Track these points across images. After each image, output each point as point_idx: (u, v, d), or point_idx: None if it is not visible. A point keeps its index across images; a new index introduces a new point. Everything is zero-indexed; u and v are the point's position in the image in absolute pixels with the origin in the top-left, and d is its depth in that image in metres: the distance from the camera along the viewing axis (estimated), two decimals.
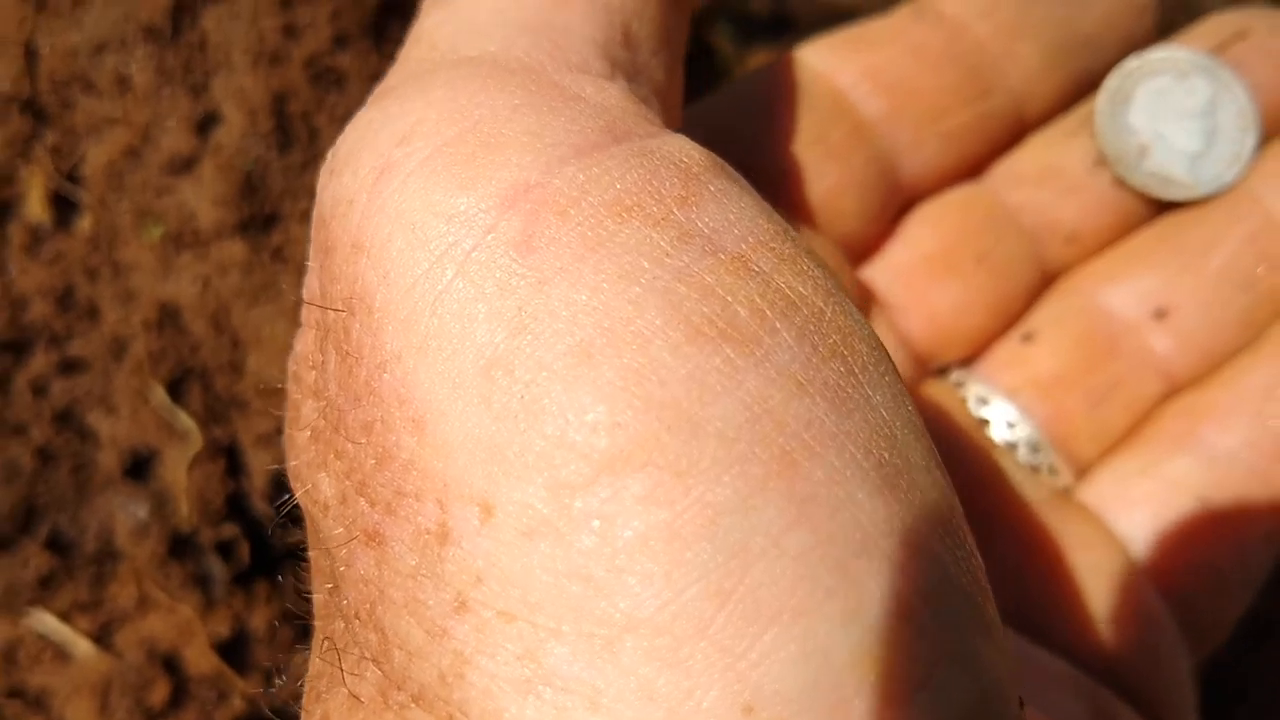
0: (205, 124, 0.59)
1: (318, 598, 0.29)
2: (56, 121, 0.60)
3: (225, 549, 0.60)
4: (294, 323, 0.58)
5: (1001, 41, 0.46)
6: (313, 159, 0.61)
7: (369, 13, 0.63)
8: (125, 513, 0.60)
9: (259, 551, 0.61)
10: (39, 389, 0.59)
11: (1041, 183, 0.47)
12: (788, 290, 0.25)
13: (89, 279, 0.59)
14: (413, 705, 0.24)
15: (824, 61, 0.45)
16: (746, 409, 0.23)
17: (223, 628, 0.59)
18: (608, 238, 0.24)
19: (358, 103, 0.63)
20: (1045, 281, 0.48)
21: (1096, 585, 0.42)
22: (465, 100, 0.27)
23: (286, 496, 0.60)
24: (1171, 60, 0.47)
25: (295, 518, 0.64)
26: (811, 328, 0.25)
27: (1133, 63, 0.47)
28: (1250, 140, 0.46)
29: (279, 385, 0.59)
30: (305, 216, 0.60)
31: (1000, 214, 0.47)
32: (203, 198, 0.58)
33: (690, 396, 0.23)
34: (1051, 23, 0.46)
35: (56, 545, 0.59)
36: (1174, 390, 0.46)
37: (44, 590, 0.58)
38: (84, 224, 0.59)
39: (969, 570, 0.25)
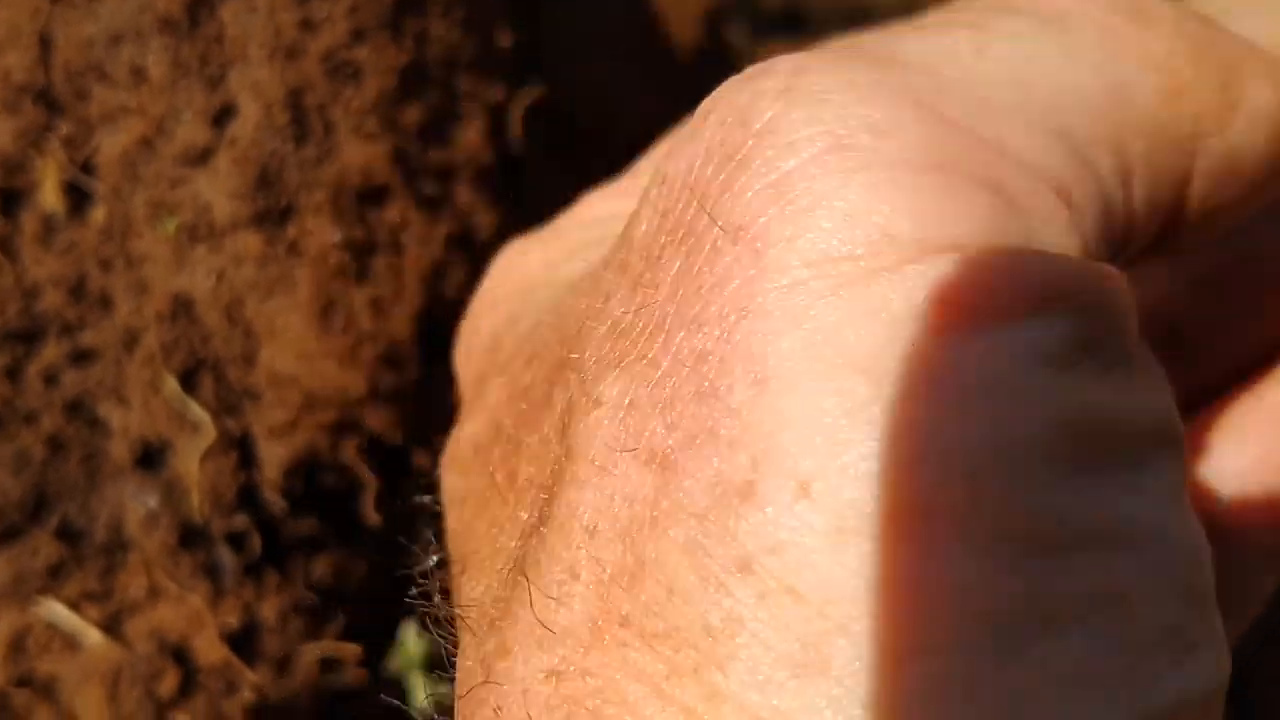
0: (221, 116, 0.59)
1: (505, 510, 0.28)
2: (71, 112, 0.60)
3: (236, 540, 0.60)
4: (307, 317, 0.58)
5: None
6: (328, 153, 0.61)
7: (387, 7, 0.63)
8: (136, 502, 0.60)
9: (270, 542, 0.61)
10: (50, 378, 0.59)
11: None
12: None
13: (102, 269, 0.59)
14: (640, 643, 0.23)
15: None
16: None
17: (232, 618, 0.59)
18: None
19: (374, 97, 0.63)
20: None
21: None
22: None
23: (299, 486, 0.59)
24: None
25: (308, 508, 0.64)
26: None
27: None
28: None
29: (292, 376, 0.59)
30: (320, 210, 0.60)
31: None
32: (218, 190, 0.58)
33: None
34: None
35: (66, 534, 0.59)
36: None
37: (53, 579, 0.59)
38: (98, 214, 0.59)
39: None
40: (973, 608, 0.21)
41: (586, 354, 0.26)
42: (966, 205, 0.24)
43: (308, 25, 0.61)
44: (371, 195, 0.62)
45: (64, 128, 0.60)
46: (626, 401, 0.25)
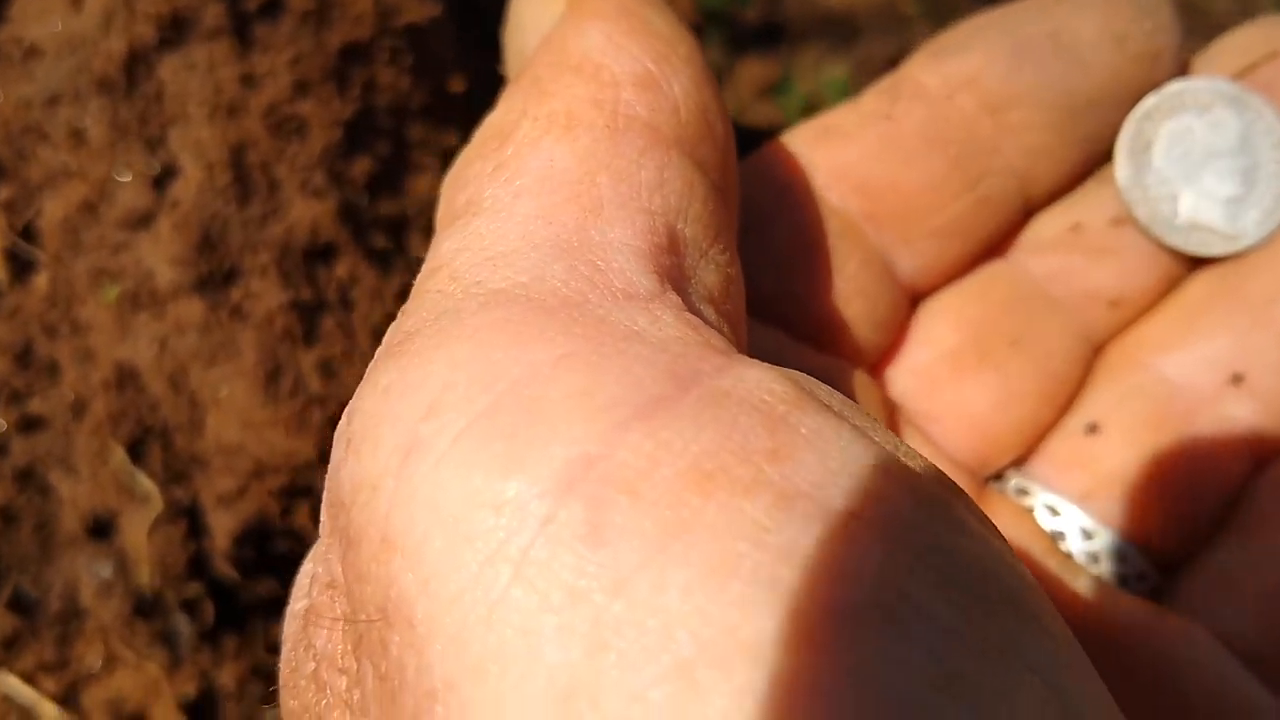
0: (162, 178, 0.58)
1: None
2: (12, 175, 0.59)
3: (191, 606, 0.60)
4: (253, 383, 0.57)
5: (992, 114, 0.40)
6: (273, 211, 0.59)
7: (330, 58, 0.61)
8: (89, 572, 0.59)
9: (228, 606, 0.60)
10: (0, 446, 0.58)
11: (1068, 248, 0.42)
12: (918, 543, 0.21)
13: (48, 336, 0.58)
14: None
15: (800, 156, 0.41)
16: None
17: (189, 687, 0.59)
18: (691, 518, 0.20)
19: (319, 151, 0.61)
20: (1093, 353, 0.43)
21: (1200, 714, 0.37)
22: (499, 355, 0.23)
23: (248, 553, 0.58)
24: (1191, 93, 0.41)
25: (264, 570, 0.63)
26: (971, 589, 0.20)
27: (1149, 102, 0.41)
28: None
29: (238, 444, 0.58)
30: (265, 271, 0.59)
31: (1028, 287, 0.42)
32: (160, 256, 0.57)
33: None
34: (1049, 85, 0.40)
35: (20, 605, 0.58)
36: (1265, 461, 0.41)
37: (8, 651, 0.58)
38: (40, 281, 0.58)
39: None
40: None
41: None
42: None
43: (248, 80, 0.59)
44: (319, 253, 0.60)
45: (4, 191, 0.59)
46: None
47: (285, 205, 0.60)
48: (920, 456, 0.24)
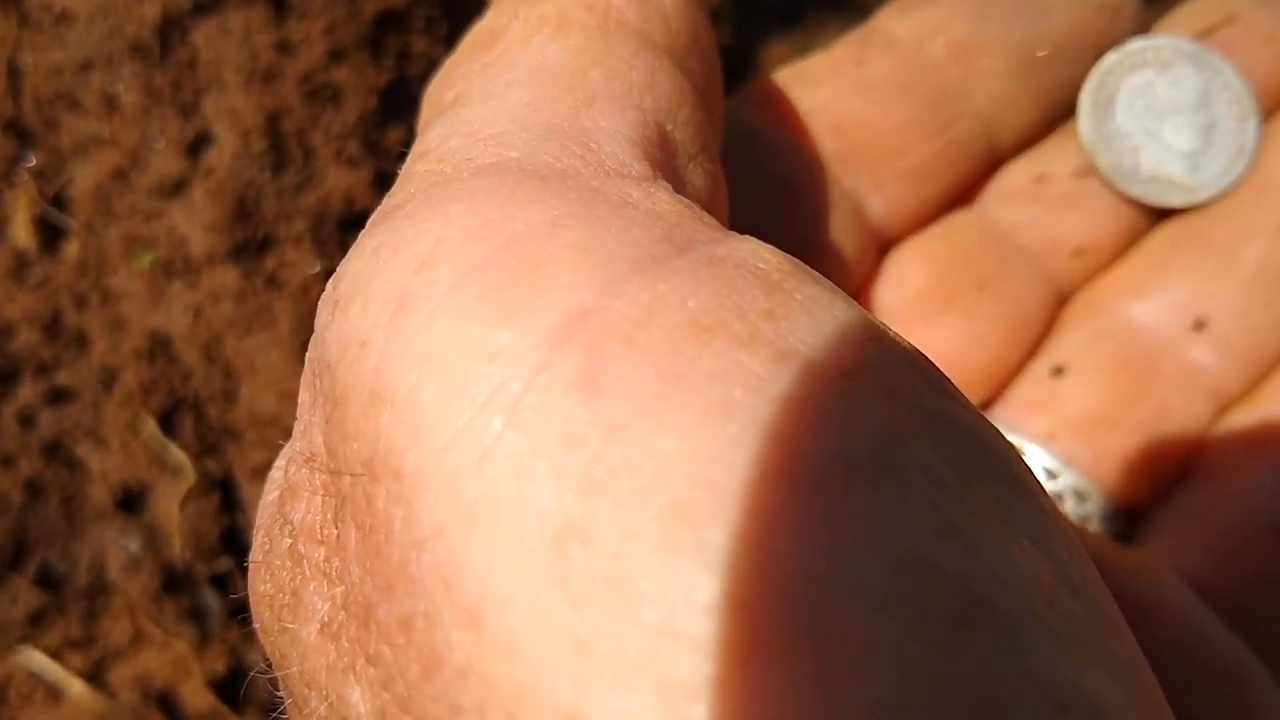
0: (196, 145, 0.57)
1: None
2: (42, 143, 0.58)
3: (221, 582, 0.59)
4: (289, 353, 0.56)
5: (959, 61, 0.41)
6: (308, 180, 0.58)
7: (365, 25, 0.60)
8: (117, 546, 0.58)
9: None
10: (26, 420, 0.57)
11: (1033, 198, 0.43)
12: (918, 405, 0.21)
13: (77, 306, 0.57)
14: None
15: (769, 102, 0.41)
16: (900, 564, 0.18)
17: (219, 664, 0.57)
18: (688, 367, 0.20)
19: (354, 120, 0.60)
20: (1059, 301, 0.44)
21: (1168, 651, 0.37)
22: (494, 214, 0.23)
23: None
24: (1153, 50, 0.43)
25: None
26: (955, 441, 0.20)
27: (1111, 58, 0.43)
28: (1251, 128, 0.42)
29: (273, 414, 0.57)
30: (300, 240, 0.58)
31: (995, 235, 0.43)
32: (194, 223, 0.56)
33: (831, 561, 0.18)
34: (1014, 35, 0.41)
35: (47, 580, 0.57)
36: (1226, 405, 0.41)
37: (34, 627, 0.57)
38: (71, 249, 0.57)
39: None
40: None
41: (311, 666, 0.24)
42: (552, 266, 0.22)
43: (284, 47, 0.58)
44: (354, 222, 0.59)
45: (35, 159, 0.58)
46: (376, 714, 0.22)
47: (320, 174, 0.59)
48: (908, 342, 0.24)
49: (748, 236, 0.24)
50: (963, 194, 0.44)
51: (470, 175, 0.24)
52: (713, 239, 0.23)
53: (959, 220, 0.43)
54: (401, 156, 0.63)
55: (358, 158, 0.59)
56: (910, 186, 0.41)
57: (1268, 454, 0.39)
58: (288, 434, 0.57)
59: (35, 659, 0.56)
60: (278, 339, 0.56)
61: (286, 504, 0.26)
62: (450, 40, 0.65)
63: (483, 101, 0.27)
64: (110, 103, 0.57)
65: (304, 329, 0.56)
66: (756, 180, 0.39)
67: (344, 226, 0.59)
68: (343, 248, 0.60)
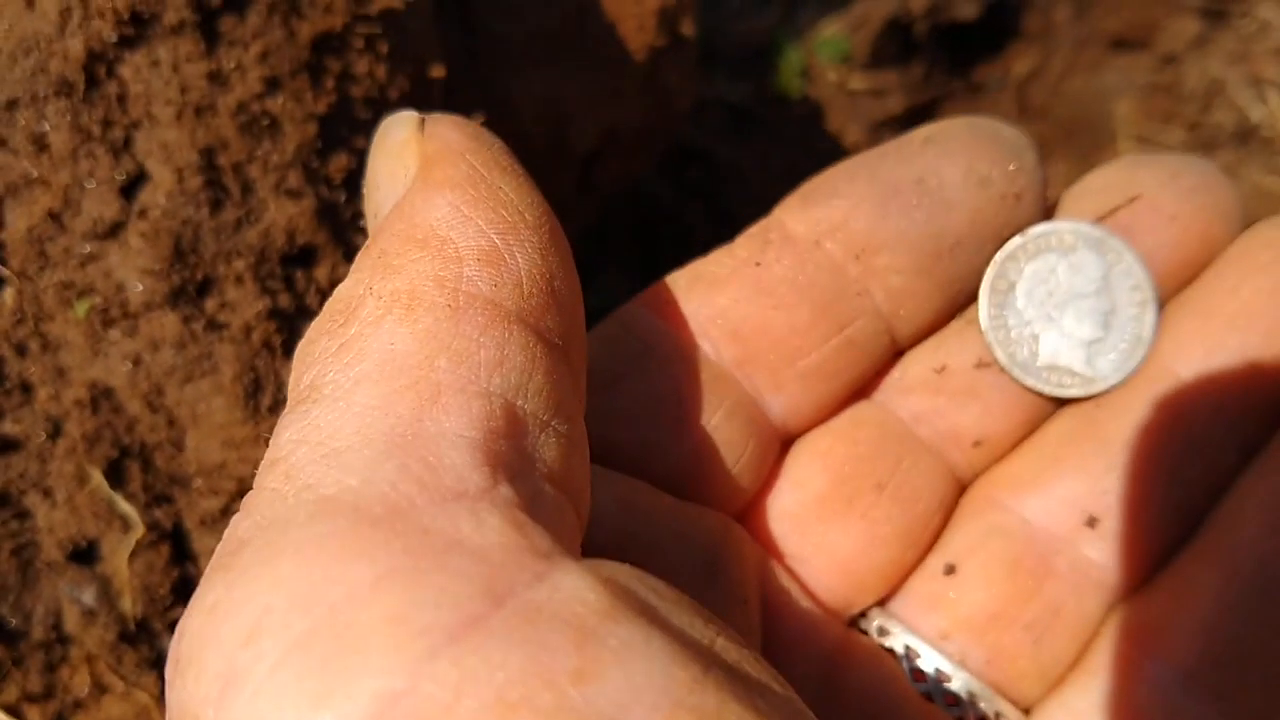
0: (130, 185, 0.55)
1: None
2: None
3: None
4: (232, 399, 0.54)
5: (858, 259, 0.41)
6: (248, 215, 0.57)
7: (302, 50, 0.58)
8: (71, 598, 0.57)
9: None
10: None
11: (934, 389, 0.43)
12: None
13: (18, 354, 0.56)
14: None
15: (669, 309, 0.41)
16: None
17: None
18: None
19: (294, 149, 0.58)
20: (958, 491, 0.44)
21: None
22: (319, 575, 0.24)
23: None
24: (1056, 235, 0.42)
25: None
26: None
27: (1014, 243, 0.42)
28: (1150, 317, 0.41)
29: (220, 463, 0.56)
30: (241, 280, 0.56)
31: (895, 429, 0.43)
32: (130, 267, 0.54)
33: None
34: (913, 230, 0.41)
35: (1, 634, 0.56)
36: (1118, 601, 0.41)
37: None
38: (7, 297, 0.55)
39: None
40: None
41: None
42: None
43: (216, 78, 0.56)
44: (297, 257, 0.58)
45: None
46: None
47: (260, 208, 0.57)
48: (739, 646, 0.26)
49: (575, 568, 0.25)
50: (864, 386, 0.44)
51: (306, 518, 0.25)
52: (536, 576, 0.24)
53: (860, 414, 0.44)
54: (345, 185, 0.61)
55: (299, 189, 0.57)
56: (810, 386, 0.42)
57: (1158, 652, 0.39)
58: (236, 482, 0.56)
59: None
60: (221, 385, 0.54)
61: None
62: (393, 59, 0.62)
63: (332, 400, 0.28)
64: (39, 142, 0.55)
65: (247, 373, 0.55)
66: (651, 396, 0.40)
67: (287, 262, 0.57)
68: (287, 284, 0.58)
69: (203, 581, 0.26)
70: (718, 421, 0.40)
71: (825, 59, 1.18)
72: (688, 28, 0.82)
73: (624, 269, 0.96)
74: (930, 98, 1.24)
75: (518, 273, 0.31)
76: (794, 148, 1.09)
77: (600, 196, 0.89)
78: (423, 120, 0.33)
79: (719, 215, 1.01)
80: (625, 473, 0.39)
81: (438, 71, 0.63)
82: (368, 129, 0.62)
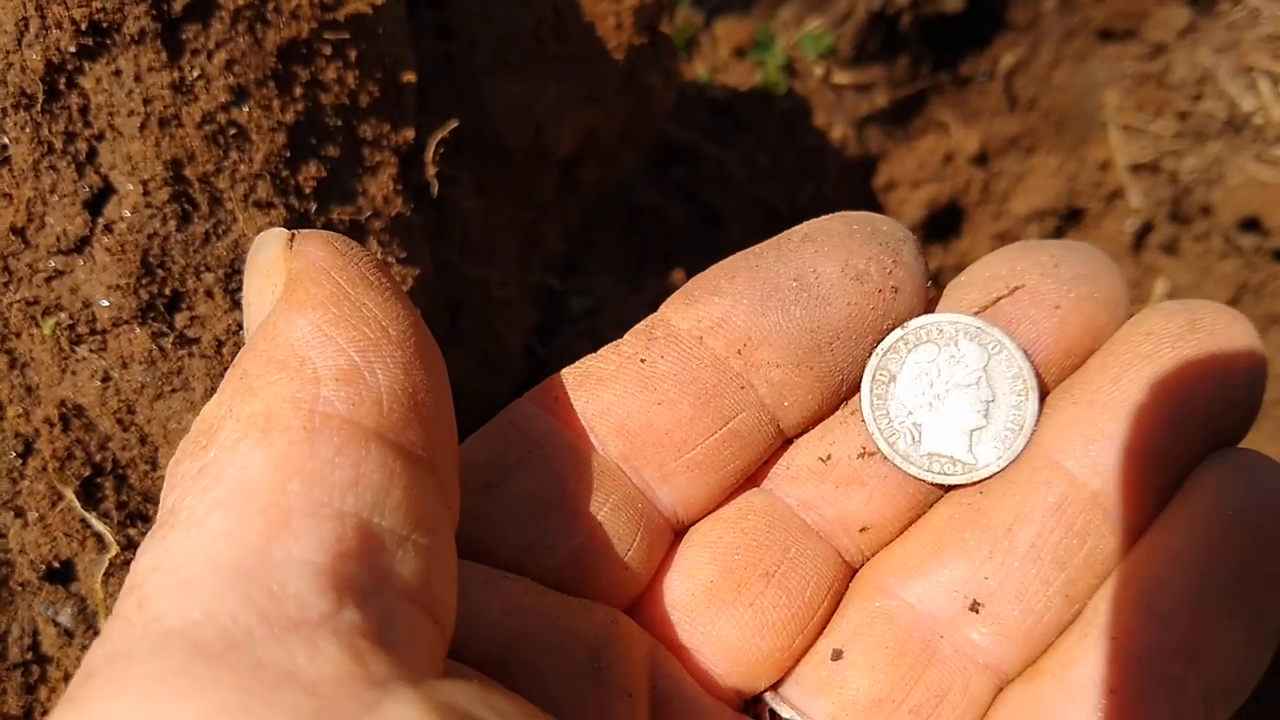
0: (96, 199, 0.54)
1: None
2: None
3: None
4: None
5: (739, 354, 0.42)
6: (216, 228, 0.56)
7: (268, 57, 0.57)
8: (47, 618, 0.56)
9: None
10: None
11: (820, 477, 0.44)
12: None
13: None
14: None
15: (557, 406, 0.42)
16: None
17: None
18: None
19: (262, 160, 0.57)
20: (846, 576, 0.45)
21: None
22: (154, 714, 0.25)
23: None
24: (935, 327, 0.43)
25: None
26: None
27: (895, 335, 0.43)
28: (1031, 405, 0.42)
29: None
30: (211, 293, 0.55)
31: (783, 518, 0.44)
32: (98, 282, 0.53)
33: None
34: (791, 324, 0.42)
35: None
36: (1004, 682, 0.42)
37: None
38: None
39: None
40: None
41: None
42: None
43: (181, 88, 0.55)
44: None
45: None
46: None
47: (229, 220, 0.56)
48: None
49: (408, 695, 0.26)
50: (754, 474, 0.45)
51: (147, 652, 0.26)
52: (366, 707, 0.25)
53: (749, 502, 0.45)
54: (315, 195, 0.60)
55: (269, 199, 0.56)
56: (698, 477, 0.43)
57: None
58: None
59: None
60: (192, 402, 0.53)
61: None
62: (362, 65, 0.61)
63: (187, 527, 0.29)
64: None
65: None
66: (538, 493, 0.41)
67: None
68: None
69: (53, 714, 0.27)
70: (605, 515, 0.41)
71: (810, 54, 1.17)
72: (667, 25, 0.81)
73: (611, 270, 0.96)
74: (916, 91, 1.23)
75: (377, 389, 0.32)
76: (779, 145, 1.08)
77: (584, 198, 0.88)
78: (292, 236, 0.34)
79: (705, 214, 1.00)
80: (513, 570, 0.40)
81: (409, 77, 0.62)
82: (338, 138, 0.61)
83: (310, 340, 0.32)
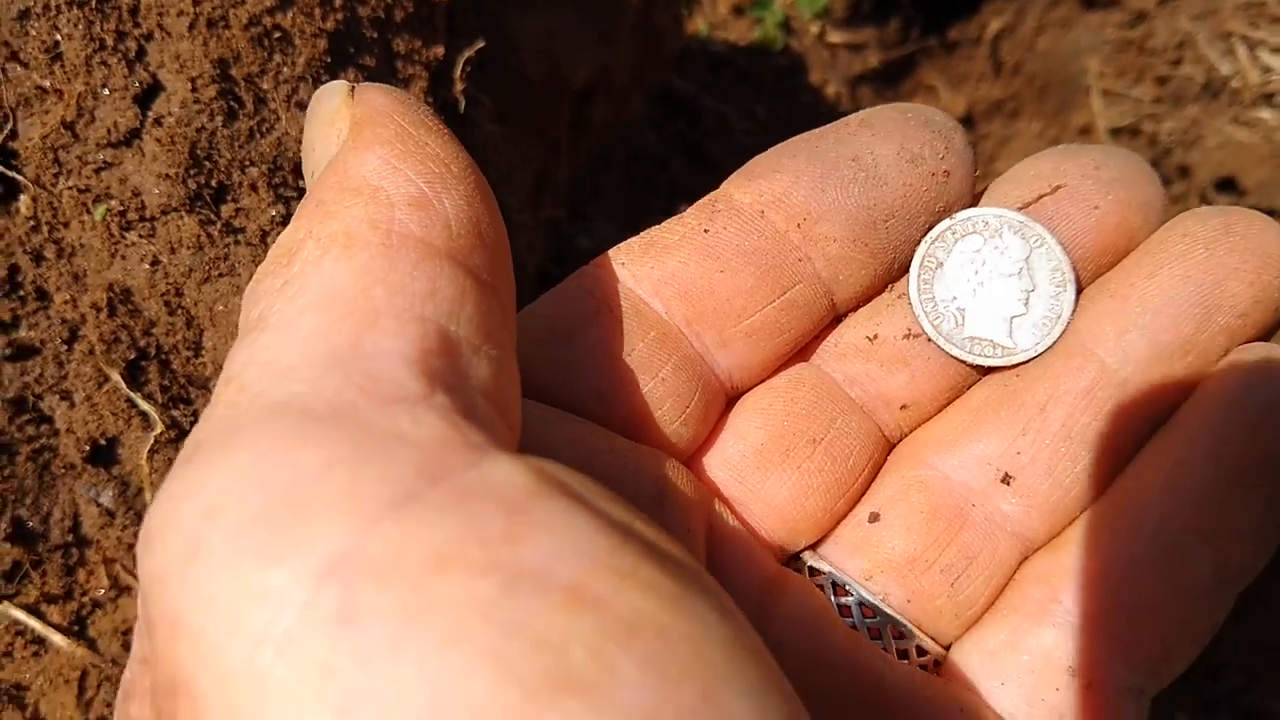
0: (145, 95, 0.56)
1: None
2: None
3: None
4: None
5: (799, 228, 0.44)
6: (260, 125, 0.58)
7: None
8: (89, 499, 0.58)
9: None
10: None
11: (866, 355, 0.47)
12: (629, 613, 0.25)
13: (34, 261, 0.57)
14: None
15: (624, 271, 0.44)
16: None
17: None
18: (431, 599, 0.24)
19: (304, 63, 0.60)
20: (886, 449, 0.48)
21: None
22: (272, 462, 0.27)
23: None
24: (981, 220, 0.46)
25: None
26: (658, 651, 0.24)
27: (943, 225, 0.46)
28: (1068, 297, 0.45)
29: None
30: (256, 187, 0.57)
31: (830, 391, 0.46)
32: (147, 173, 0.56)
33: None
34: (849, 202, 0.44)
35: (20, 537, 0.57)
36: (1030, 551, 0.45)
37: (11, 584, 0.57)
38: (23, 204, 0.57)
39: None
40: None
41: None
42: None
43: None
44: None
45: None
46: None
47: (272, 120, 0.58)
48: (655, 529, 0.29)
49: (507, 457, 0.28)
50: (804, 346, 0.47)
51: (257, 420, 0.28)
52: (470, 462, 0.27)
53: (799, 374, 0.47)
54: None
55: (310, 102, 0.59)
56: (754, 344, 0.45)
57: (1064, 595, 0.43)
58: None
59: (14, 616, 0.57)
60: (239, 286, 0.56)
61: (125, 700, 0.30)
62: None
63: (279, 327, 0.30)
64: (52, 52, 0.56)
65: None
66: (605, 348, 0.43)
67: (300, 172, 0.59)
68: (300, 192, 0.59)
69: (170, 475, 0.28)
70: (666, 373, 0.43)
71: (806, 13, 1.20)
72: None
73: (614, 215, 0.98)
74: (906, 54, 1.27)
75: (445, 216, 0.33)
76: (775, 99, 1.11)
77: (593, 139, 0.91)
78: (353, 88, 0.36)
79: (705, 164, 1.03)
80: (580, 416, 0.42)
81: None
82: (374, 49, 0.63)
83: (381, 171, 0.34)
